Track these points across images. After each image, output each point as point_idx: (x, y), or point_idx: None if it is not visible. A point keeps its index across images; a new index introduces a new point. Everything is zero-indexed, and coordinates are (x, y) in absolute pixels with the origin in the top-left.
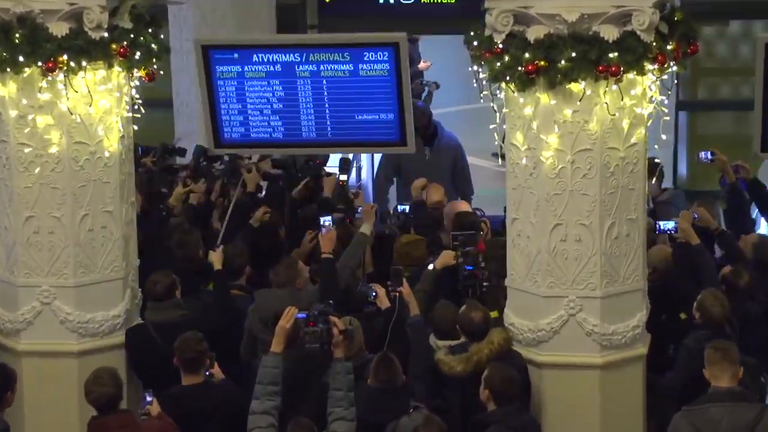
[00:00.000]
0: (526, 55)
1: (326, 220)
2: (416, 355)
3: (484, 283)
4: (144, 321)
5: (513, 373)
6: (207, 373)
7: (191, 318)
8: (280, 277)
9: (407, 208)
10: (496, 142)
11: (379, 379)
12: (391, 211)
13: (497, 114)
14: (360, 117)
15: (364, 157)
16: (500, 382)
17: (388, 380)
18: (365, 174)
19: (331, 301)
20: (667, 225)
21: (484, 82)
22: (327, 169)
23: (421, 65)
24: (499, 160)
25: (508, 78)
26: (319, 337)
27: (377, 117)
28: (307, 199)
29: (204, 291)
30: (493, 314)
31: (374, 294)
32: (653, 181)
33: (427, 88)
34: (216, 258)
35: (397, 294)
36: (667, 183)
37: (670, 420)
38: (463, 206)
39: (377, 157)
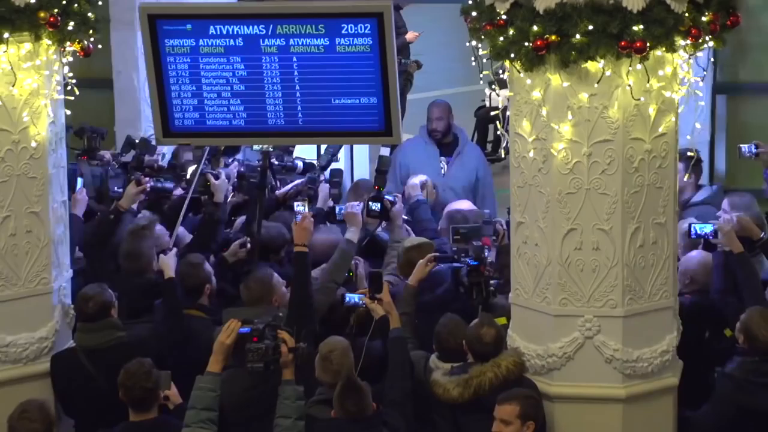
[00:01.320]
0: (535, 27)
1: (300, 205)
2: (394, 377)
3: (491, 282)
4: (74, 345)
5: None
6: (162, 396)
7: (129, 342)
8: (252, 293)
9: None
10: (498, 132)
11: (345, 410)
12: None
13: (499, 98)
14: (337, 101)
15: (342, 151)
16: None
17: (356, 411)
18: (342, 166)
19: (280, 314)
20: (705, 229)
21: (484, 61)
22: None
23: (409, 36)
24: (502, 153)
25: (512, 55)
26: (263, 355)
27: (357, 101)
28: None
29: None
30: (500, 321)
31: (362, 304)
32: (687, 179)
33: (405, 67)
34: (167, 264)
35: (377, 303)
36: (702, 180)
37: None
38: (465, 205)
39: (360, 150)
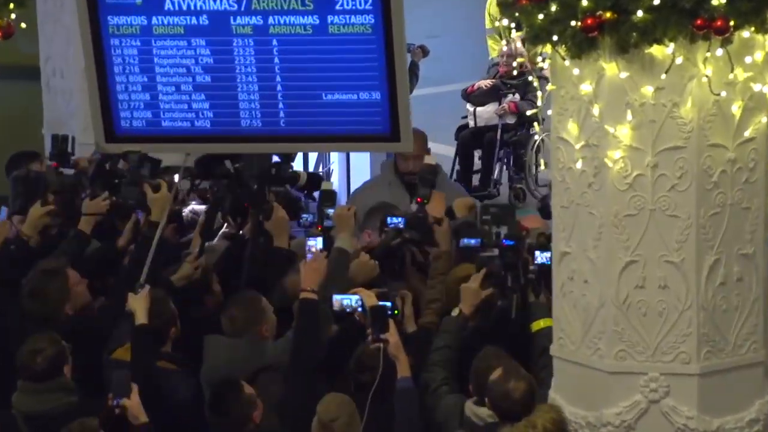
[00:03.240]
0: (584, 2)
1: (312, 239)
2: None
3: (531, 267)
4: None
5: None
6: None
7: (82, 410)
8: (236, 322)
9: (401, 221)
10: (536, 136)
11: None
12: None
13: (539, 93)
14: (329, 97)
15: (335, 157)
16: None
17: None
18: (336, 181)
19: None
20: None
21: (518, 45)
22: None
23: None
24: (541, 164)
25: (555, 38)
26: None
27: (356, 97)
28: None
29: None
30: (546, 323)
31: (359, 306)
32: None
33: (409, 56)
34: (139, 304)
35: (381, 346)
36: None
37: None
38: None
39: (357, 157)
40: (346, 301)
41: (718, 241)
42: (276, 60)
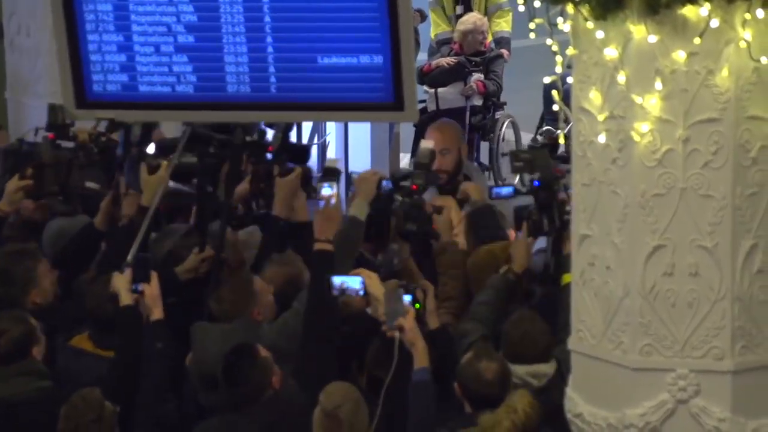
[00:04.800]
0: None
1: (326, 186)
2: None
3: (567, 208)
4: None
5: None
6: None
7: (56, 394)
8: (225, 305)
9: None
10: (556, 107)
11: None
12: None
13: (557, 58)
14: (325, 60)
15: (332, 128)
16: None
17: None
18: (333, 154)
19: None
20: None
21: (535, 5)
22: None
23: None
24: (561, 137)
25: None
26: None
27: (355, 60)
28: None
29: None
30: (566, 279)
31: (361, 289)
32: None
33: None
34: (124, 284)
35: (396, 335)
36: None
37: None
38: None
39: (356, 128)
40: (347, 283)
41: (756, 224)
42: (267, 18)
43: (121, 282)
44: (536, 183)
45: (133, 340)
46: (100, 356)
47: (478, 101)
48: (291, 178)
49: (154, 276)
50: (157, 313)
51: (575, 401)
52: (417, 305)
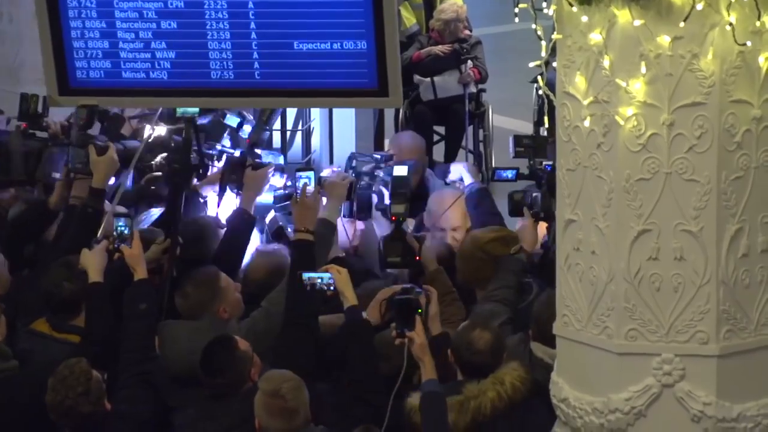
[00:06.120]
0: None
1: (304, 176)
2: None
3: None
4: None
5: None
6: None
7: (24, 375)
8: (189, 300)
9: (369, 158)
10: (539, 91)
11: None
12: None
13: (542, 44)
14: (309, 46)
15: (316, 114)
16: None
17: None
18: (317, 141)
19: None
20: None
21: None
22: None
23: None
24: (545, 121)
25: None
26: None
27: (339, 46)
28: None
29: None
30: None
31: (331, 285)
32: None
33: None
34: (92, 261)
35: (404, 343)
36: None
37: None
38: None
39: (341, 114)
40: (317, 279)
41: (741, 209)
42: (250, 5)
43: (90, 259)
44: (548, 167)
45: (103, 317)
46: (56, 339)
47: (473, 88)
48: (262, 173)
49: (136, 235)
50: (140, 273)
51: (560, 386)
52: (419, 310)
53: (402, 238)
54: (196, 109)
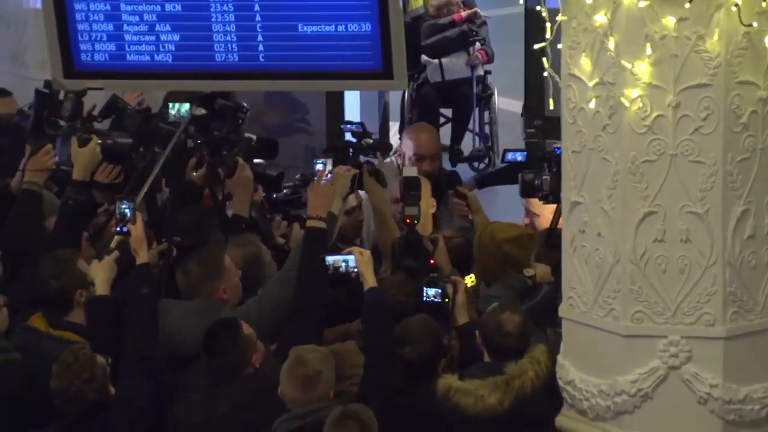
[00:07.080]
0: None
1: (320, 162)
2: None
3: None
4: None
5: None
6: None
7: (27, 365)
8: (190, 277)
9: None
10: (546, 73)
11: None
12: None
13: (547, 25)
14: (314, 28)
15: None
16: None
17: None
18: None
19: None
20: None
21: None
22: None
23: None
24: (550, 103)
25: None
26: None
27: (344, 29)
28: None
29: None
30: None
31: (354, 266)
32: None
33: None
34: (101, 273)
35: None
36: None
37: None
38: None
39: (346, 97)
40: (342, 262)
41: (747, 190)
42: None
43: (99, 271)
44: (558, 150)
45: (105, 329)
46: (52, 336)
47: (481, 71)
48: (249, 176)
49: (139, 218)
50: (142, 257)
51: (566, 368)
52: (447, 300)
53: (417, 241)
54: (188, 106)
